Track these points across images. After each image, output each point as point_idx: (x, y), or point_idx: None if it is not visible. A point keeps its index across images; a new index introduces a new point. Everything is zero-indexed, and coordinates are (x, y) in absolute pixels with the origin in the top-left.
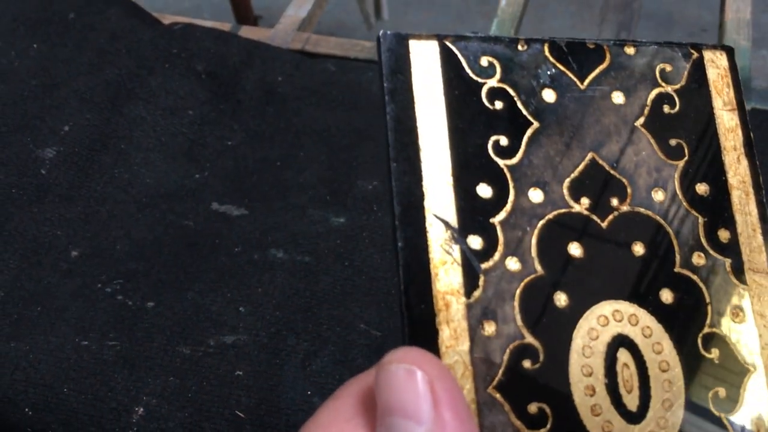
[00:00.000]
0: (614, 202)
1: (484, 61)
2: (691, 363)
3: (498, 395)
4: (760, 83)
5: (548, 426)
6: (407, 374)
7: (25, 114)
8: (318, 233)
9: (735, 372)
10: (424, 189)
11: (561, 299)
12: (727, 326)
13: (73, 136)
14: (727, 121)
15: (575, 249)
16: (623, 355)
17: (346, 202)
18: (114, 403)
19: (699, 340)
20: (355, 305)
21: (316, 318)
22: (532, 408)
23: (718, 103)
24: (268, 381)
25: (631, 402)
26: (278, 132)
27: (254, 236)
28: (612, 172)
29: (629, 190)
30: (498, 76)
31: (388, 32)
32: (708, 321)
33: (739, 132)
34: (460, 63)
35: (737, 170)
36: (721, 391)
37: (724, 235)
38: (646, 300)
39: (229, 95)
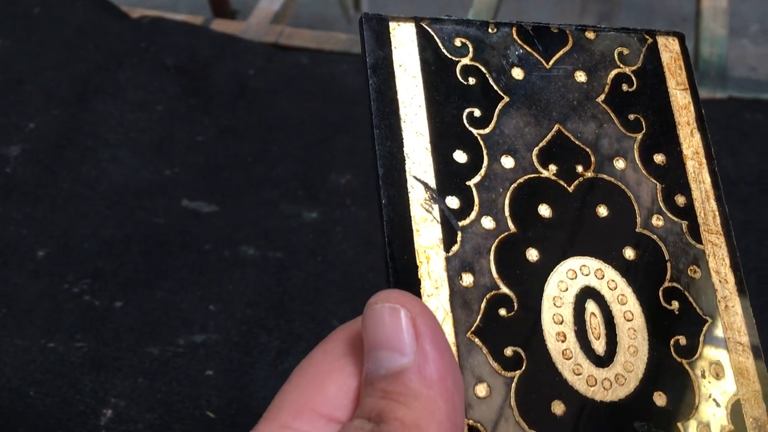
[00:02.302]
0: (579, 168)
1: (458, 41)
2: (654, 314)
3: (476, 339)
4: (741, 72)
5: (523, 367)
6: (391, 312)
7: None
8: (290, 228)
9: (693, 323)
10: (405, 154)
11: (533, 254)
12: (686, 281)
13: (39, 133)
14: (681, 99)
15: (545, 210)
16: (591, 305)
17: (319, 197)
18: (81, 405)
19: (660, 293)
20: (327, 301)
21: (288, 315)
22: (508, 351)
23: (671, 83)
24: (239, 380)
25: (599, 347)
26: (250, 127)
27: (225, 233)
28: (577, 142)
29: (593, 159)
30: (470, 55)
31: (370, 14)
32: (668, 276)
33: (692, 109)
34: (436, 42)
35: (691, 143)
36: (682, 340)
37: (680, 200)
38: (611, 256)
39: (200, 90)
